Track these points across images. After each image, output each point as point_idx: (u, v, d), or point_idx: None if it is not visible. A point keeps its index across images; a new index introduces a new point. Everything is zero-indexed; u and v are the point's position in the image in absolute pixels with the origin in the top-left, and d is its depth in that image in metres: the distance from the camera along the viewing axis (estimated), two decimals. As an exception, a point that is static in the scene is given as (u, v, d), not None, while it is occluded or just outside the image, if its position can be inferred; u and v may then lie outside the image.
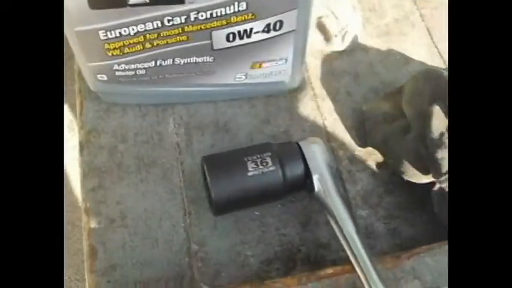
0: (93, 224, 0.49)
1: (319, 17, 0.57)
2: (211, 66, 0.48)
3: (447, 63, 0.57)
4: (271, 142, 0.48)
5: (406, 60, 0.58)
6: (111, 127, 0.54)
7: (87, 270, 0.47)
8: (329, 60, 0.58)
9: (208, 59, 0.47)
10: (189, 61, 0.47)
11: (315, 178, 0.46)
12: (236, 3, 0.41)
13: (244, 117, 0.54)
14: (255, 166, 0.45)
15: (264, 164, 0.45)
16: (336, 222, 0.44)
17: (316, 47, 0.58)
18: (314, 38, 0.58)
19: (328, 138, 0.53)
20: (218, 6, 0.41)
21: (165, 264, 0.47)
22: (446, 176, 0.44)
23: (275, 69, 0.50)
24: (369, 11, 0.61)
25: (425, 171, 0.46)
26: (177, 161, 0.52)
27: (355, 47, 0.58)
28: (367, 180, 0.51)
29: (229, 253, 0.47)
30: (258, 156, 0.46)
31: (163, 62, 0.46)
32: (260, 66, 0.49)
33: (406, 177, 0.48)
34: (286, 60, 0.49)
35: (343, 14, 0.56)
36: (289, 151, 0.47)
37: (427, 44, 0.59)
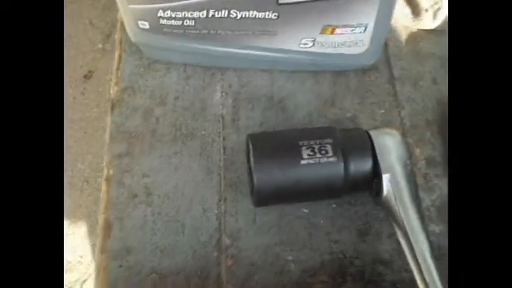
0: (113, 196, 0.41)
1: (409, -13, 0.48)
2: (273, 26, 0.40)
3: None
4: (334, 127, 0.39)
5: None
6: (149, 86, 0.46)
7: (98, 249, 0.40)
8: (415, 39, 0.48)
9: (271, 15, 0.39)
10: (247, 15, 0.39)
11: (385, 178, 0.36)
12: None
13: (305, 95, 0.46)
14: (311, 154, 0.36)
15: (323, 152, 0.36)
16: (406, 237, 0.35)
17: (400, 21, 0.48)
18: (399, 10, 0.48)
19: (404, 132, 0.44)
20: None
21: (189, 256, 0.39)
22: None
23: (350, 38, 0.41)
24: None
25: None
26: (220, 135, 0.44)
27: (447, 27, 0.48)
28: (447, 189, 0.41)
29: (267, 254, 0.39)
30: (317, 142, 0.37)
31: (216, 13, 0.39)
32: (332, 32, 0.40)
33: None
34: (365, 27, 0.40)
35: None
36: (356, 140, 0.38)
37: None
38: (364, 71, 0.46)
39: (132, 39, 0.44)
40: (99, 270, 0.39)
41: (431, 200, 0.41)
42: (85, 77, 1.07)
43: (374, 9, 0.38)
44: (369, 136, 0.38)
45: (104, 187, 0.42)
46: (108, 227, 0.40)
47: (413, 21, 0.48)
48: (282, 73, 0.46)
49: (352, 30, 0.40)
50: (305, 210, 0.40)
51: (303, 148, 0.37)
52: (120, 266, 0.39)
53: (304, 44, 0.41)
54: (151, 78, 0.47)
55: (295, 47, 0.42)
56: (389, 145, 0.37)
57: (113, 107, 0.45)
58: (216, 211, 0.41)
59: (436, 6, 0.47)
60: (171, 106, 0.46)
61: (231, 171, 0.42)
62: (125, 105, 0.45)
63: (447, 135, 0.43)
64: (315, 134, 0.38)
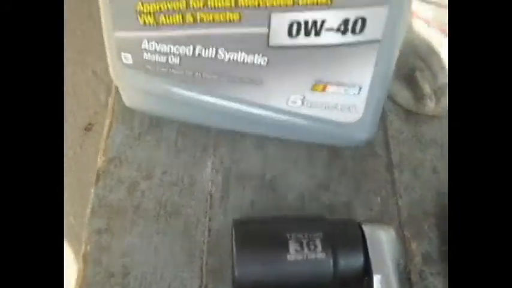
0: (88, 275, 0.39)
1: (411, 70, 0.46)
2: (261, 72, 0.37)
3: None
4: (325, 216, 0.36)
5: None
6: (137, 158, 0.45)
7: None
8: (416, 123, 0.47)
9: (260, 59, 0.36)
10: (235, 57, 0.37)
11: (376, 279, 0.34)
12: None
13: (298, 175, 0.44)
14: (298, 248, 0.34)
15: (312, 247, 0.34)
16: None
17: (402, 105, 0.47)
18: (401, 94, 0.47)
19: (400, 224, 0.41)
20: None
21: None
22: None
23: (343, 101, 0.38)
24: None
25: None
26: (206, 215, 0.42)
27: None
28: (443, 289, 0.38)
29: None
30: (305, 235, 0.35)
31: (204, 51, 0.37)
32: (324, 89, 0.38)
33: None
34: (359, 89, 0.37)
35: (443, 71, 0.45)
36: (347, 235, 0.35)
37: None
38: (362, 154, 0.45)
39: (113, 77, 0.42)
40: None
41: (427, 300, 0.38)
42: (85, 129, 1.06)
43: (370, 69, 0.36)
44: (362, 231, 0.36)
45: (80, 265, 0.40)
46: (79, 309, 0.38)
47: (415, 105, 0.47)
48: (274, 151, 0.45)
49: (345, 90, 0.37)
50: (290, 306, 0.38)
51: (291, 242, 0.34)
52: None
53: (293, 101, 0.39)
54: (140, 150, 0.45)
55: (283, 105, 0.39)
56: (383, 243, 0.35)
57: (97, 179, 0.43)
58: (195, 299, 0.38)
59: (440, 92, 0.46)
60: (158, 180, 0.44)
61: (214, 256, 0.40)
62: (110, 176, 0.44)
63: (446, 228, 0.41)
64: (304, 226, 0.35)
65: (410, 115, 0.47)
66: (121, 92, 0.45)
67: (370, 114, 0.40)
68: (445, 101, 0.46)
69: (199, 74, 0.39)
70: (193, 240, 0.41)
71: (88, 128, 1.06)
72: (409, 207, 0.42)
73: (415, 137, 0.46)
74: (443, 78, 0.45)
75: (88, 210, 0.42)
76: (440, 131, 0.46)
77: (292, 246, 0.34)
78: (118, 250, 0.40)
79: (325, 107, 0.39)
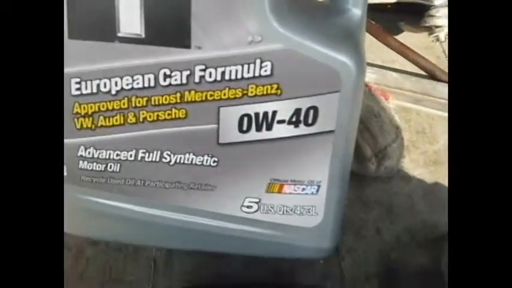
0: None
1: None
2: (211, 175, 0.35)
3: None
4: (269, 283, 0.37)
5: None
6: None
7: None
8: (359, 185, 0.48)
9: (210, 160, 0.34)
10: (183, 160, 0.34)
11: None
12: (258, 62, 0.31)
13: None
14: None
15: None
16: None
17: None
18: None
19: (342, 286, 0.40)
20: (234, 61, 0.30)
21: None
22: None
23: (301, 202, 0.36)
24: (416, 133, 0.53)
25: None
26: (149, 282, 0.41)
27: (394, 175, 0.49)
28: None
29: None
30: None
31: (147, 155, 0.34)
32: (280, 190, 0.35)
33: None
34: (318, 187, 0.35)
35: (383, 134, 0.48)
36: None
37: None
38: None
39: None
40: None
41: None
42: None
43: (326, 162, 0.34)
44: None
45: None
46: None
47: (358, 167, 0.47)
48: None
49: (303, 189, 0.35)
50: None
51: None
52: None
53: (248, 207, 0.36)
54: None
55: (237, 212, 0.36)
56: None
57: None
58: None
59: (381, 154, 0.48)
60: (104, 247, 0.44)
61: None
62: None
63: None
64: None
65: (353, 176, 0.48)
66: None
67: (332, 217, 0.37)
68: (387, 163, 0.48)
69: (142, 182, 0.35)
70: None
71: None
72: (351, 269, 0.42)
73: (358, 197, 0.47)
74: (384, 142, 0.47)
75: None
76: (383, 192, 0.48)
77: None
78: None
79: (283, 212, 0.36)
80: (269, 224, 0.36)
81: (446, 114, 0.53)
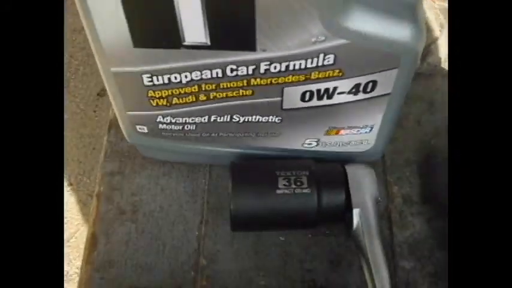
0: (101, 211, 0.45)
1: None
2: (276, 128, 0.38)
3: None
4: (312, 160, 0.41)
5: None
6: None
7: (84, 260, 0.43)
8: None
9: (275, 119, 0.37)
10: (250, 119, 0.37)
11: (355, 212, 0.39)
12: (322, 56, 0.31)
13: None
14: (287, 184, 0.39)
15: (298, 183, 0.39)
16: (369, 271, 0.37)
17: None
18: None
19: (385, 170, 0.46)
20: (297, 57, 0.31)
21: (167, 274, 0.42)
22: None
23: (355, 138, 0.40)
24: None
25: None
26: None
27: (437, 72, 0.50)
28: (420, 227, 0.43)
29: (241, 277, 0.41)
30: (294, 173, 0.40)
31: (219, 118, 0.37)
32: (337, 133, 0.39)
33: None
34: (371, 128, 0.38)
35: (428, 31, 0.49)
36: (330, 174, 0.40)
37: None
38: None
39: (128, 139, 0.42)
40: (81, 281, 0.42)
41: (405, 237, 0.43)
42: (98, 94, 1.11)
43: (380, 112, 0.37)
44: (345, 171, 0.40)
45: (94, 202, 0.46)
46: (94, 240, 0.44)
47: None
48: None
49: (358, 131, 0.39)
50: (281, 238, 0.43)
51: (280, 178, 0.39)
52: (102, 279, 0.42)
53: (308, 144, 0.40)
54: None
55: (298, 147, 0.40)
56: (363, 182, 0.40)
57: (110, 127, 0.49)
58: (196, 233, 0.43)
59: (426, 50, 0.50)
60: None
61: (214, 196, 0.45)
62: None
63: (426, 175, 0.46)
64: (293, 166, 0.40)
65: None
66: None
67: (381, 144, 0.41)
68: (430, 59, 0.50)
69: (216, 134, 0.39)
70: (196, 182, 0.46)
71: (101, 93, 1.11)
72: (393, 155, 0.47)
73: (401, 91, 0.50)
74: (428, 39, 0.49)
75: (101, 155, 0.48)
76: (426, 87, 0.50)
77: (281, 182, 0.39)
78: (128, 190, 0.46)
79: (339, 145, 0.41)
80: (326, 152, 0.41)
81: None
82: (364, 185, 0.40)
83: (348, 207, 0.39)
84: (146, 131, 0.39)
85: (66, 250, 0.96)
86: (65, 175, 1.03)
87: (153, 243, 0.43)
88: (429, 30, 0.51)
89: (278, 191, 0.39)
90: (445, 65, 0.51)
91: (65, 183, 1.03)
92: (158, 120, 0.38)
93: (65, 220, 0.99)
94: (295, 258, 0.42)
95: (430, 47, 0.50)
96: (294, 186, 0.39)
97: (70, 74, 1.12)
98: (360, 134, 0.39)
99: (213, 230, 0.44)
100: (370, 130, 0.39)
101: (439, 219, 0.44)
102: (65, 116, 1.08)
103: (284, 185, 0.39)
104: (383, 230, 0.39)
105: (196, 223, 0.44)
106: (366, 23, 0.29)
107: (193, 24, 0.28)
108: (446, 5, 0.53)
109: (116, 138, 0.48)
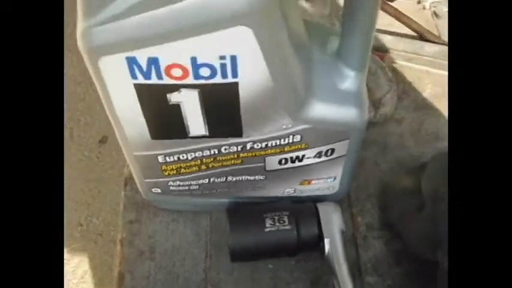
0: (125, 253, 0.55)
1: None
2: (261, 183, 0.50)
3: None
4: (290, 202, 0.53)
5: (438, 137, 0.61)
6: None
7: (114, 294, 0.54)
8: None
9: (260, 177, 0.49)
10: (241, 179, 0.49)
11: (326, 242, 0.50)
12: (291, 136, 0.43)
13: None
14: (272, 223, 0.50)
15: (281, 222, 0.51)
16: (339, 286, 0.48)
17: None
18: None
19: (350, 204, 0.57)
20: (273, 139, 0.43)
21: (182, 300, 0.53)
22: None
23: (323, 186, 0.51)
24: (408, 84, 0.65)
25: (432, 252, 0.49)
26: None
27: (388, 119, 0.62)
28: (380, 248, 0.55)
29: (241, 299, 0.52)
30: (277, 213, 0.51)
31: (216, 179, 0.48)
32: (309, 183, 0.51)
33: (415, 254, 0.51)
34: (334, 178, 0.50)
35: (379, 88, 0.60)
36: (306, 213, 0.52)
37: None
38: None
39: (144, 197, 0.54)
40: (113, 312, 0.53)
41: (368, 257, 0.55)
42: (100, 141, 1.22)
43: (340, 167, 0.49)
44: (317, 209, 0.52)
45: (118, 247, 0.56)
46: (121, 278, 0.54)
47: None
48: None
49: (325, 181, 0.50)
50: (270, 266, 0.54)
51: (267, 219, 0.51)
52: (130, 308, 0.53)
53: (287, 191, 0.52)
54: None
55: (279, 194, 0.52)
56: (332, 217, 0.52)
57: (125, 184, 0.60)
58: (203, 265, 0.54)
59: (376, 105, 0.61)
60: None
61: (216, 235, 0.56)
62: (134, 182, 0.60)
63: (383, 206, 0.57)
64: (276, 208, 0.52)
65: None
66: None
67: (344, 187, 0.53)
68: (382, 110, 0.62)
69: (214, 190, 0.50)
70: (199, 224, 0.57)
71: (103, 140, 1.22)
72: (356, 191, 0.58)
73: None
74: (379, 94, 0.61)
75: (121, 207, 0.59)
76: (379, 134, 0.62)
77: (268, 222, 0.51)
78: (145, 234, 0.56)
79: (311, 191, 0.52)
80: (300, 196, 0.53)
81: (432, 70, 0.62)
82: (332, 219, 0.52)
83: (321, 238, 0.51)
84: (159, 191, 0.50)
85: (81, 285, 1.06)
86: (74, 217, 1.14)
87: (169, 276, 0.54)
88: (380, 86, 0.62)
89: (266, 229, 0.50)
90: (395, 112, 0.63)
91: (75, 225, 1.14)
92: (169, 184, 0.49)
93: (77, 257, 1.10)
94: (283, 281, 0.54)
95: (381, 100, 0.62)
96: (278, 224, 0.51)
97: (73, 123, 1.24)
98: (326, 182, 0.51)
99: (216, 262, 0.55)
100: (334, 179, 0.51)
101: (395, 241, 0.55)
102: (71, 162, 1.18)
103: (270, 223, 0.51)
104: (349, 253, 0.51)
105: (202, 258, 0.55)
106: (322, 112, 0.42)
107: (196, 123, 0.41)
108: (398, 62, 0.65)
109: (131, 192, 0.59)
